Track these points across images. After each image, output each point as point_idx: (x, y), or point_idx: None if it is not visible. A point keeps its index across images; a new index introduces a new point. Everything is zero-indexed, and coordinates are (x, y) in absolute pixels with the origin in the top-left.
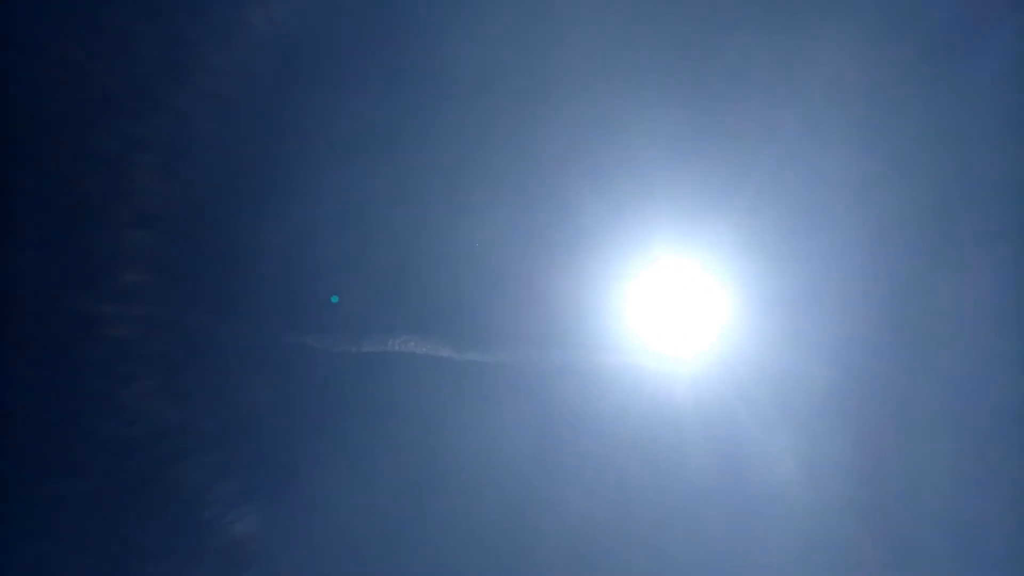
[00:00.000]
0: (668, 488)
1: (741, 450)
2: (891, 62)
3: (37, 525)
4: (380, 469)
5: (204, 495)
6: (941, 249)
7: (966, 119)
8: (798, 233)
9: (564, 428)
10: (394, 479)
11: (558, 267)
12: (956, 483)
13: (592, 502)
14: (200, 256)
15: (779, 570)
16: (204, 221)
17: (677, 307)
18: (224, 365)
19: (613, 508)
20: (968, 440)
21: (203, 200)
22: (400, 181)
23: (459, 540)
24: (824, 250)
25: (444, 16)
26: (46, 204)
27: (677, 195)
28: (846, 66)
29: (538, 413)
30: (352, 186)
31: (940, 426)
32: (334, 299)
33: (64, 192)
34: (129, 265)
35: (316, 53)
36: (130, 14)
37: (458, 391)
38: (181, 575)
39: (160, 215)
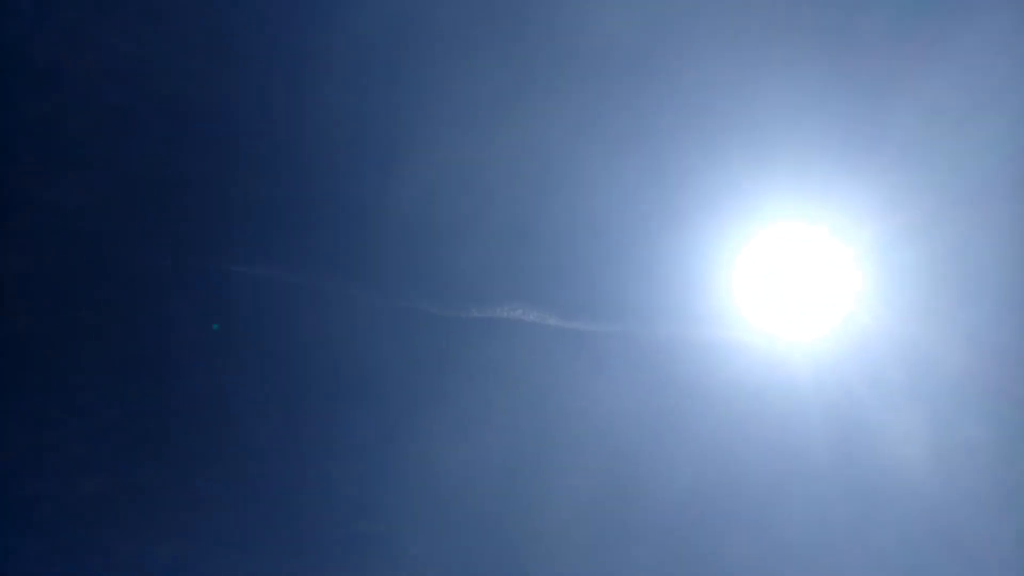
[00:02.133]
0: (780, 470)
1: (864, 433)
2: None
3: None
4: (483, 434)
5: (317, 450)
6: None
7: None
8: (943, 201)
9: (671, 402)
10: (497, 445)
11: (673, 238)
12: None
13: (697, 480)
14: (323, 220)
15: (902, 559)
16: (324, 187)
17: (801, 281)
18: (337, 326)
19: (720, 488)
20: None
21: (324, 167)
22: (517, 149)
23: (561, 505)
24: (973, 222)
25: None
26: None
27: (805, 158)
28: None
29: (646, 385)
30: (468, 154)
31: None
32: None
33: None
34: (256, 227)
35: (431, 22)
36: None
37: (564, 360)
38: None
39: (281, 176)
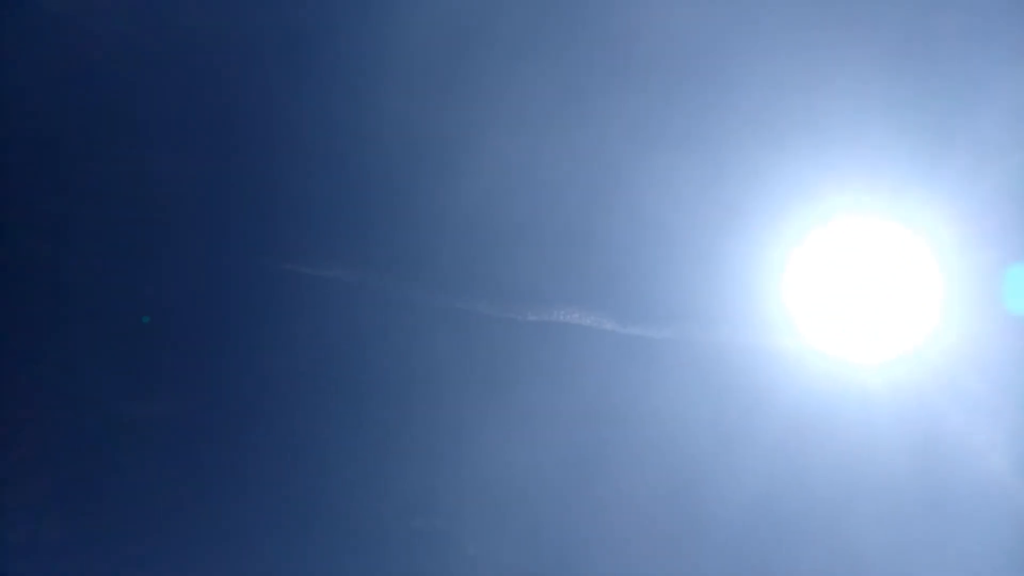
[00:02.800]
0: (845, 482)
1: (931, 445)
2: None
3: None
4: (535, 437)
5: (371, 449)
6: None
7: None
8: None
9: (730, 408)
10: (549, 449)
11: (734, 243)
12: None
13: (759, 488)
14: (383, 221)
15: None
16: (386, 188)
17: (868, 292)
18: (394, 326)
19: (781, 499)
20: None
21: (385, 168)
22: (578, 151)
23: (612, 511)
24: None
25: None
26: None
27: (875, 156)
28: None
29: (702, 393)
30: (528, 157)
31: None
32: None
33: None
34: (313, 227)
35: (490, 22)
36: None
37: (620, 364)
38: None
39: (341, 175)
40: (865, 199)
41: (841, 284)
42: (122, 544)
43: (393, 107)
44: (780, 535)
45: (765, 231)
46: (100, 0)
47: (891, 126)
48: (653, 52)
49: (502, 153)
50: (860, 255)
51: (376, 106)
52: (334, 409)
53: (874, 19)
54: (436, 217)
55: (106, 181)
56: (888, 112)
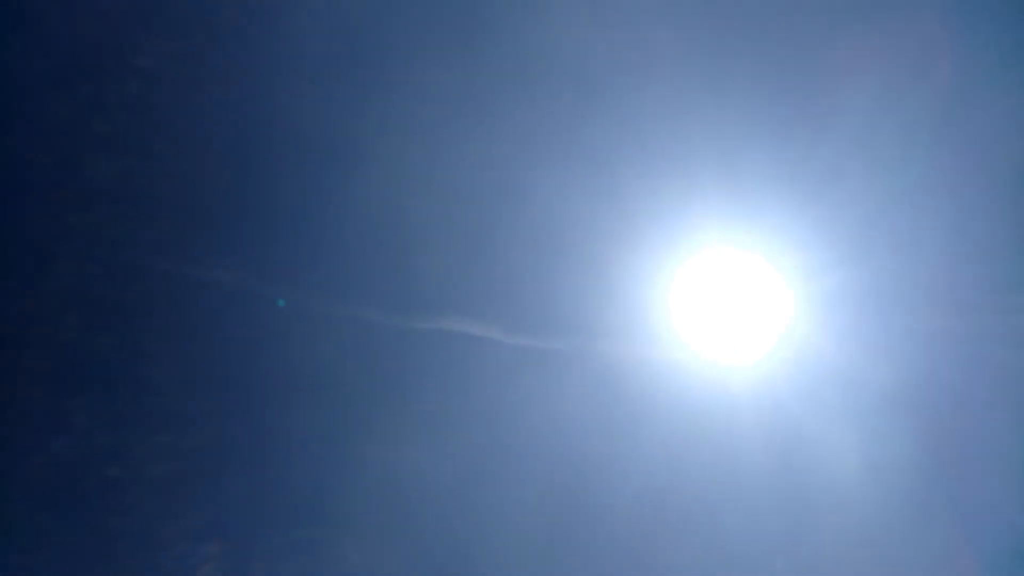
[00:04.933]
0: (714, 483)
1: (796, 450)
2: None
3: None
4: (421, 444)
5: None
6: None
7: None
8: (871, 224)
9: (608, 420)
10: (432, 455)
11: (616, 258)
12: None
13: (630, 495)
14: (269, 223)
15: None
16: (272, 189)
17: (735, 303)
18: (280, 330)
19: (661, 502)
20: None
21: (271, 168)
22: (469, 161)
23: (499, 517)
24: (897, 242)
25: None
26: None
27: (740, 185)
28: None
29: (584, 402)
30: (422, 162)
31: (1007, 427)
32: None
33: None
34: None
35: (384, 20)
36: None
37: (505, 374)
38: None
39: (230, 177)
40: (739, 215)
41: (715, 297)
42: None
43: (281, 106)
44: (658, 535)
45: (653, 244)
46: None
47: (762, 144)
48: (552, 60)
49: (395, 157)
50: (734, 269)
51: (264, 105)
52: (211, 416)
53: (752, 30)
54: (323, 220)
55: None
56: (760, 130)
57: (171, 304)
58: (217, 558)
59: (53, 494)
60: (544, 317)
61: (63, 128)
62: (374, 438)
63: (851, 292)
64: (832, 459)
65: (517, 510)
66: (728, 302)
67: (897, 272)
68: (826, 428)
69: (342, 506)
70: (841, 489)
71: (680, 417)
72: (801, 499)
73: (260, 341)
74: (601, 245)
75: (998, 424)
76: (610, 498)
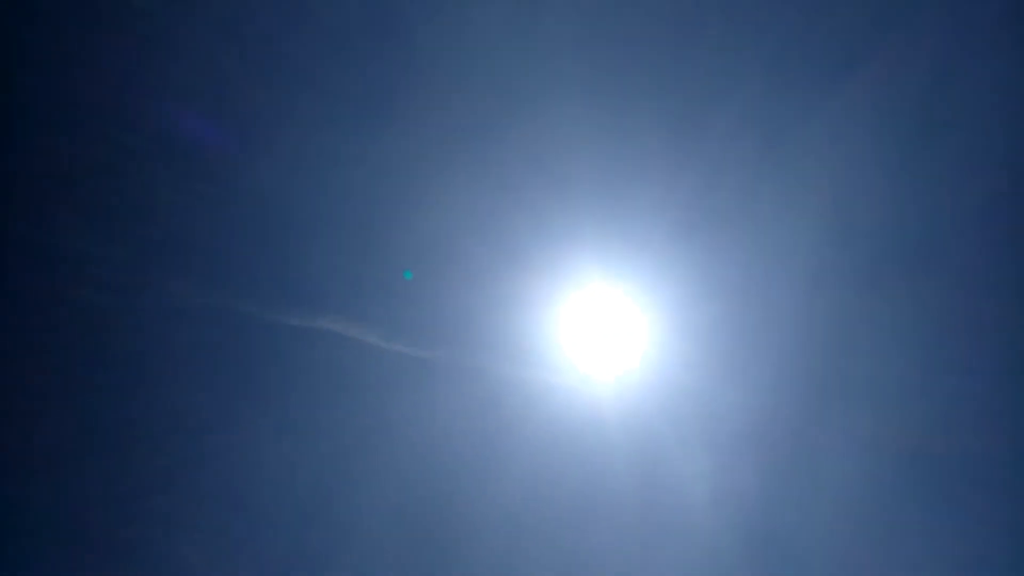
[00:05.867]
0: (575, 492)
1: (651, 473)
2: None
3: None
4: (274, 443)
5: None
6: (861, 282)
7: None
8: (728, 263)
9: (473, 432)
10: (282, 454)
11: (500, 276)
12: (867, 514)
13: (498, 508)
14: (144, 210)
15: None
16: (149, 177)
17: (602, 329)
18: (143, 318)
19: (512, 512)
20: (883, 469)
21: (148, 156)
22: (362, 161)
23: (349, 523)
24: (751, 281)
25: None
26: None
27: (612, 222)
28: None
29: (455, 412)
30: (314, 157)
31: (854, 456)
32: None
33: None
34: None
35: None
36: None
37: (378, 379)
38: None
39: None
40: (613, 249)
41: (584, 319)
42: None
43: (157, 99)
44: (521, 540)
45: (535, 267)
46: None
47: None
48: (447, 67)
49: (283, 150)
50: (603, 296)
51: (137, 96)
52: (55, 408)
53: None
54: (199, 210)
55: None
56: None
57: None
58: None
59: None
60: (425, 326)
61: None
62: (233, 433)
63: (704, 320)
64: (684, 467)
65: (375, 515)
66: (594, 325)
67: (745, 302)
68: (680, 440)
69: (184, 505)
70: (694, 494)
71: (545, 429)
72: (658, 505)
73: (117, 330)
74: (487, 261)
75: (834, 440)
76: (474, 506)
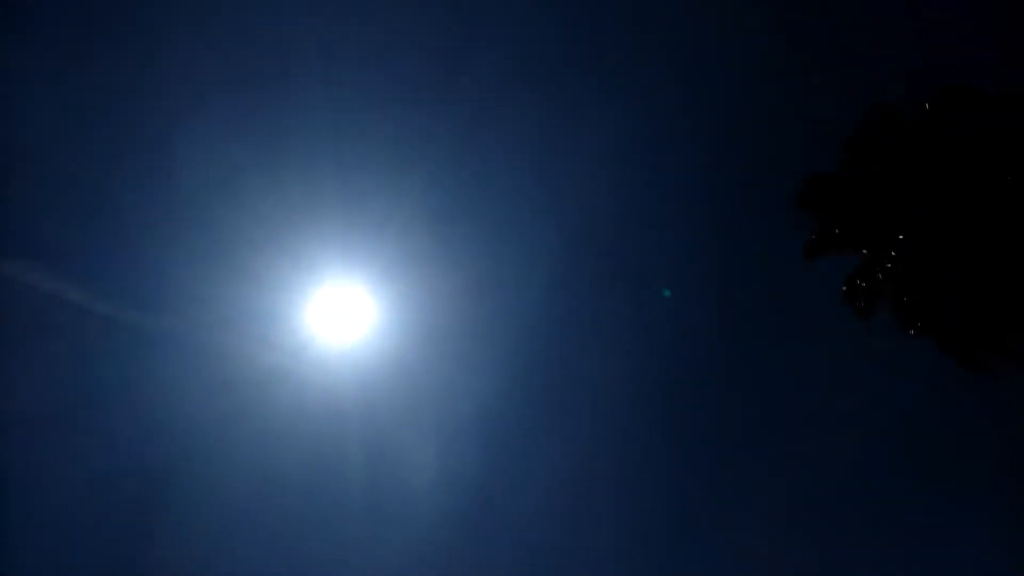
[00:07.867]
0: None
1: (377, 456)
2: None
3: None
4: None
5: None
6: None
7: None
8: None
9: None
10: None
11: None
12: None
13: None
14: None
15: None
16: None
17: (335, 316)
18: None
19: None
20: (601, 462)
21: None
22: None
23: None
24: (486, 279)
25: None
26: None
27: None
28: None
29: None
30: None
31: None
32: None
33: None
34: None
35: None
36: None
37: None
38: None
39: None
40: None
41: (320, 310)
42: None
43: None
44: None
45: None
46: None
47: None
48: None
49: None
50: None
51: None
52: None
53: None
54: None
55: None
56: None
57: None
58: None
59: None
60: (154, 298)
61: None
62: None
63: (438, 311)
64: (411, 451)
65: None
66: (329, 313)
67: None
68: (406, 422)
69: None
70: (418, 474)
71: (272, 410)
72: (381, 486)
73: None
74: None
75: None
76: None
